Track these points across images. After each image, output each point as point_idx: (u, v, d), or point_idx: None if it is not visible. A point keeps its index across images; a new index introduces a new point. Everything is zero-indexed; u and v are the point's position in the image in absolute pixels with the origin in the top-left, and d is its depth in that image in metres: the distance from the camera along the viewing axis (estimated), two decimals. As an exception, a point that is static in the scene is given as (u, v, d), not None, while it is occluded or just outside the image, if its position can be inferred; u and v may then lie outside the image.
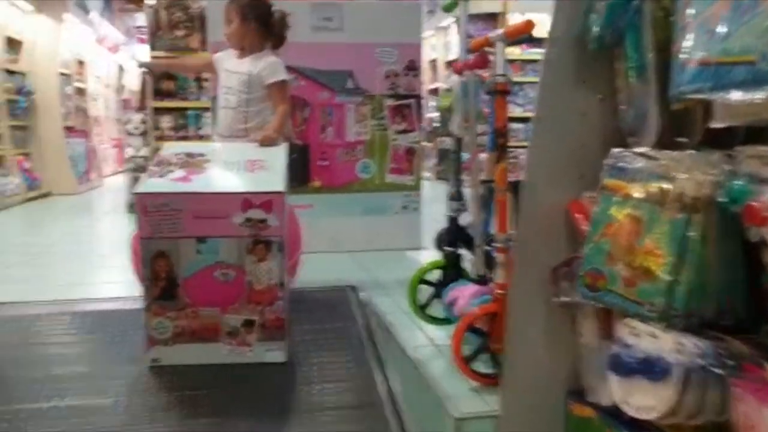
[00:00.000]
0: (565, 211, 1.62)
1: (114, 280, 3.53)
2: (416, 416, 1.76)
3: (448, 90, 2.34)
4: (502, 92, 1.92)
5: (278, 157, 2.44)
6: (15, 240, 5.45)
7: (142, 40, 7.40)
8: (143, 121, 6.90)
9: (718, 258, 1.27)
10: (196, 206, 2.06)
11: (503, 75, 1.90)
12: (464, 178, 2.44)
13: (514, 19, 8.39)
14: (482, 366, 2.05)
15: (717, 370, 1.19)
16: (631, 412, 1.32)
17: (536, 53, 8.68)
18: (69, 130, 9.24)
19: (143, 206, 2.05)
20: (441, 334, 2.48)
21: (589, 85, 1.62)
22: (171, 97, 6.29)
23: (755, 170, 1.15)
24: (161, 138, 6.34)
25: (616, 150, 1.45)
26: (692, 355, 1.20)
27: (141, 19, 10.35)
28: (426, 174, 7.93)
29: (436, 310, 2.56)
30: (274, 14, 3.01)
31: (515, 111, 8.47)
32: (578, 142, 1.62)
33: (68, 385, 1.97)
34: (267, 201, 2.07)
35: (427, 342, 2.50)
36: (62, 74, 9.14)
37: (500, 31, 1.93)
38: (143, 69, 3.94)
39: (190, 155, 2.35)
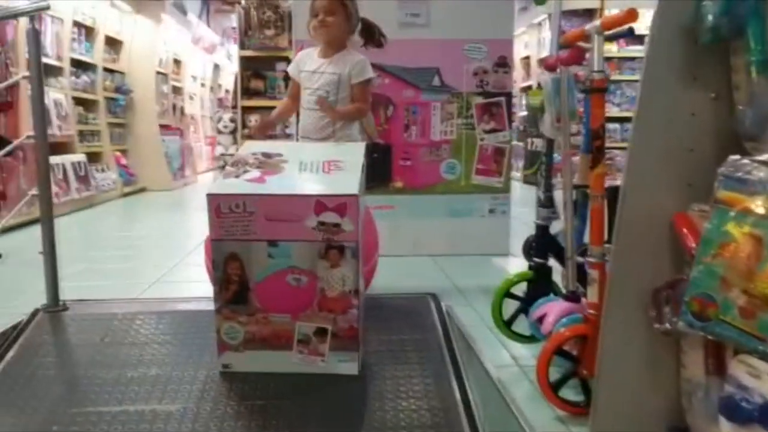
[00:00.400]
0: (670, 224, 1.43)
1: (197, 279, 3.53)
2: (496, 442, 1.62)
3: (539, 87, 2.17)
4: (599, 90, 1.74)
5: (356, 157, 2.33)
6: (108, 234, 5.62)
7: (237, 41, 7.56)
8: (232, 120, 7.02)
9: None
10: (268, 208, 1.98)
11: (601, 71, 1.72)
12: (555, 182, 2.26)
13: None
14: (570, 393, 1.88)
15: None
16: (747, 464, 1.13)
17: (634, 51, 8.34)
18: (164, 127, 9.52)
19: (215, 207, 1.99)
20: (527, 354, 2.32)
21: (700, 83, 1.43)
22: (259, 96, 6.32)
23: None
24: (249, 136, 6.37)
25: (733, 157, 1.26)
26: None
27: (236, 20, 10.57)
28: (516, 175, 7.73)
29: (522, 326, 2.39)
30: (364, 22, 2.96)
31: (612, 110, 8.22)
32: (686, 146, 1.43)
33: (139, 388, 1.94)
34: (341, 204, 1.97)
35: (511, 361, 2.34)
36: (159, 73, 9.43)
37: (597, 22, 1.75)
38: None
39: (267, 155, 2.27)
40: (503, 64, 4.01)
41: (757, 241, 1.15)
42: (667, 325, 1.36)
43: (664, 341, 1.43)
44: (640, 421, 1.48)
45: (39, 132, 2.57)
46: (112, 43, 8.66)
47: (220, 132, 7.26)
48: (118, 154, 8.51)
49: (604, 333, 1.48)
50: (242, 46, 6.45)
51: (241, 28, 6.46)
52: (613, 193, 1.72)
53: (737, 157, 1.26)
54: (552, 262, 2.34)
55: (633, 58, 8.48)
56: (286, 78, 6.51)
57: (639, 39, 3.86)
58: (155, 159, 9.04)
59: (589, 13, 8.43)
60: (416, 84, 4.01)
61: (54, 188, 6.14)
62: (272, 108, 6.43)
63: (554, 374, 1.90)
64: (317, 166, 2.18)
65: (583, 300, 1.94)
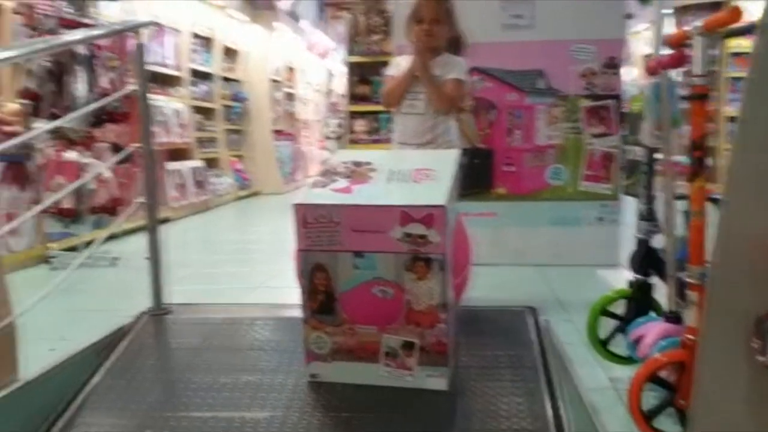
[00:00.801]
0: (778, 244, 1.28)
1: (296, 285, 3.59)
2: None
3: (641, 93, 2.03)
4: (700, 97, 1.59)
5: (448, 165, 2.26)
6: (218, 237, 5.83)
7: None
8: (339, 125, 7.11)
9: None
10: (353, 219, 1.96)
11: (703, 76, 1.58)
12: (657, 193, 2.11)
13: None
14: (667, 423, 1.74)
15: None
16: None
17: None
18: (278, 133, 9.80)
19: (302, 217, 1.99)
20: (625, 376, 2.17)
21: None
22: (366, 101, 6.37)
23: None
24: (355, 141, 6.45)
25: None
26: None
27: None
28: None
29: (620, 346, 2.24)
30: None
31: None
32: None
33: (230, 394, 1.98)
34: (427, 215, 1.91)
35: (608, 384, 2.21)
36: (273, 80, 9.71)
37: (699, 22, 1.60)
38: None
39: (357, 164, 2.25)
40: (613, 65, 3.81)
41: None
42: (774, 358, 1.21)
43: (768, 375, 1.28)
44: (743, 462, 1.34)
45: (145, 143, 2.67)
46: (230, 53, 9.00)
47: (327, 137, 7.38)
48: (233, 159, 8.83)
49: (702, 362, 1.34)
50: (350, 52, 6.53)
51: (349, 34, 6.54)
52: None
53: None
54: (655, 279, 2.18)
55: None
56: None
57: None
58: (268, 163, 9.33)
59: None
60: (520, 87, 3.88)
61: (173, 192, 6.44)
62: (378, 112, 6.48)
63: (649, 402, 1.76)
64: (407, 175, 2.14)
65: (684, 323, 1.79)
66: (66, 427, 1.87)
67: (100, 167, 3.79)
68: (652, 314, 2.11)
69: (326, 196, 2.02)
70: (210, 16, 8.21)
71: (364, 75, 6.44)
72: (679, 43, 1.73)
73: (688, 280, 1.64)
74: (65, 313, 3.05)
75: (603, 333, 2.32)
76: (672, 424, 1.76)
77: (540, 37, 3.84)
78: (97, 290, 3.61)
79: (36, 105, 3.83)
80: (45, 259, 4.06)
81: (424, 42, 2.74)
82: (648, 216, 2.10)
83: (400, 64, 2.90)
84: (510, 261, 3.88)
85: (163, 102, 6.79)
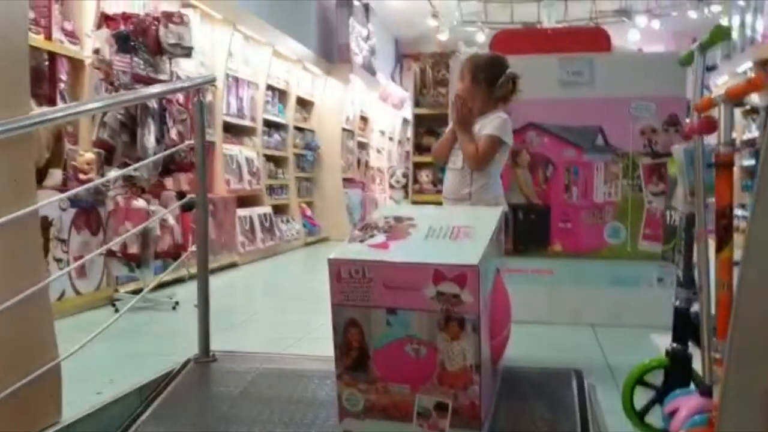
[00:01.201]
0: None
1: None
2: None
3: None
4: (725, 165, 1.54)
5: (488, 224, 2.25)
6: (282, 283, 5.93)
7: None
8: (404, 175, 7.18)
9: None
10: (387, 275, 1.97)
11: (729, 144, 1.53)
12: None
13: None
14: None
15: None
16: None
17: None
18: (348, 180, 9.98)
19: (336, 272, 2.01)
20: (662, 450, 2.08)
21: None
22: (430, 152, 6.39)
23: None
24: (420, 191, 6.48)
25: None
26: None
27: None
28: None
29: (657, 418, 2.15)
30: (505, 75, 2.84)
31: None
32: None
33: (262, 449, 1.99)
34: (460, 274, 1.90)
35: (644, 457, 2.11)
36: (345, 130, 9.91)
37: (723, 90, 1.56)
38: None
39: (398, 219, 2.27)
40: (673, 122, 3.73)
41: None
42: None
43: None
44: None
45: (200, 195, 2.77)
46: (303, 104, 9.27)
47: (392, 187, 7.46)
48: (303, 206, 9.02)
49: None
50: (417, 104, 6.61)
51: (416, 86, 6.63)
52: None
53: None
54: (694, 349, 2.09)
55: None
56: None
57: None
58: (337, 210, 9.47)
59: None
60: (578, 143, 3.83)
61: (241, 238, 6.62)
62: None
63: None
64: (445, 232, 2.13)
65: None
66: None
67: (165, 213, 3.95)
68: (692, 386, 2.02)
69: (361, 251, 2.03)
70: (287, 70, 8.50)
71: (431, 127, 6.49)
72: (707, 109, 1.69)
73: (715, 355, 1.57)
74: (118, 355, 3.16)
75: (642, 402, 2.23)
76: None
77: (599, 93, 3.79)
78: (153, 334, 3.72)
79: (109, 155, 4.04)
80: (111, 302, 4.22)
81: (459, 101, 2.80)
82: (687, 283, 2.03)
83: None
84: (565, 320, 3.78)
85: (237, 151, 7.03)
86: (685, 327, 2.05)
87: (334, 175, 9.61)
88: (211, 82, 2.90)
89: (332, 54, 10.00)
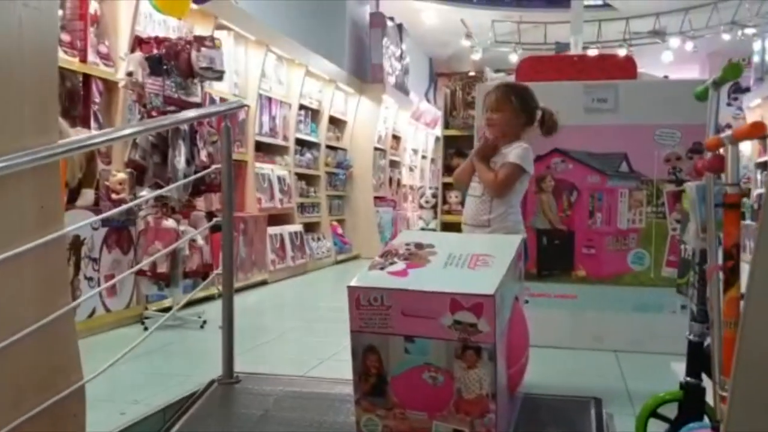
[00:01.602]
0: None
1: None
2: None
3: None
4: (731, 206, 1.55)
5: (507, 252, 2.28)
6: (310, 302, 5.98)
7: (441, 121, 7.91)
8: (434, 195, 7.21)
9: None
10: (404, 303, 2.01)
11: (735, 184, 1.54)
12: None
13: None
14: None
15: None
16: None
17: None
18: (379, 199, 10.04)
19: (355, 299, 2.06)
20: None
21: None
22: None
23: None
24: (449, 212, 6.50)
25: None
26: None
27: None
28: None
29: (671, 450, 2.14)
30: (542, 111, 2.92)
31: None
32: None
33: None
34: (477, 304, 1.94)
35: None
36: (377, 149, 9.99)
37: (729, 131, 1.58)
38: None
39: (419, 245, 2.31)
40: (698, 150, 3.70)
41: None
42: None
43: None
44: None
45: (226, 218, 2.84)
46: (336, 123, 9.37)
47: (421, 207, 7.50)
48: (335, 224, 9.09)
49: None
50: (446, 126, 6.64)
51: (446, 108, 6.66)
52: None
53: None
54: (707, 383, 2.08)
55: None
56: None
57: None
58: (368, 228, 9.54)
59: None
60: (602, 170, 3.83)
61: (271, 256, 6.71)
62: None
63: None
64: (464, 260, 2.16)
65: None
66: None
67: (194, 234, 4.04)
68: (706, 420, 2.01)
69: (381, 278, 2.08)
70: (319, 89, 8.61)
71: (460, 148, 6.51)
72: (716, 148, 1.71)
73: (720, 393, 1.57)
74: (144, 374, 3.23)
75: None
76: None
77: (623, 121, 3.79)
78: (180, 353, 3.80)
79: (140, 175, 4.16)
80: (141, 320, 4.32)
81: (488, 131, 2.84)
82: (700, 317, 2.03)
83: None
84: (587, 345, 3.77)
85: (269, 170, 7.14)
86: (698, 360, 2.05)
87: (366, 194, 9.68)
88: (242, 107, 2.98)
89: (365, 74, 10.12)
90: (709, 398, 2.07)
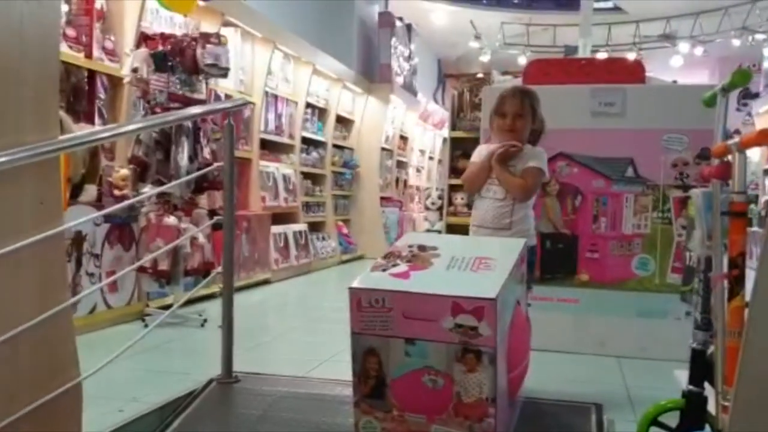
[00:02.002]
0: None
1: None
2: None
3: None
4: (737, 214, 1.53)
5: (510, 255, 2.25)
6: (312, 302, 5.96)
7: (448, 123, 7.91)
8: (440, 197, 7.20)
9: None
10: (405, 305, 1.99)
11: (742, 193, 1.51)
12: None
13: None
14: None
15: None
16: None
17: None
18: (385, 199, 10.02)
19: (356, 301, 2.04)
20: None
21: None
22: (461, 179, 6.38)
23: None
24: (454, 214, 6.47)
25: None
26: None
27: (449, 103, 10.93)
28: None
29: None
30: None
31: None
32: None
33: (275, 475, 2.01)
34: (478, 307, 1.91)
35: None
36: (384, 149, 9.97)
37: (737, 138, 1.55)
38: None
39: (422, 248, 2.29)
40: (706, 155, 3.67)
41: None
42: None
43: None
44: None
45: (227, 217, 2.82)
46: (343, 122, 9.36)
47: (427, 208, 7.49)
48: (340, 223, 9.07)
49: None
50: (453, 127, 6.61)
51: (453, 109, 6.64)
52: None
53: None
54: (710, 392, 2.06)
55: None
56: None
57: None
58: (374, 229, 9.52)
59: None
60: (607, 174, 3.80)
61: (274, 255, 6.69)
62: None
63: None
64: (467, 263, 2.14)
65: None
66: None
67: (195, 232, 4.03)
68: (708, 429, 1.99)
69: (382, 280, 2.06)
70: (327, 88, 8.60)
71: (467, 150, 6.47)
72: (722, 155, 1.68)
73: (722, 402, 1.54)
74: (144, 372, 3.22)
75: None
76: None
77: (630, 125, 3.75)
78: (180, 351, 3.79)
79: (143, 172, 4.15)
80: (141, 317, 4.31)
81: (506, 138, 2.80)
82: (704, 325, 2.00)
83: (481, 151, 2.95)
84: (590, 350, 3.74)
85: (274, 168, 7.13)
86: (701, 369, 2.02)
87: (372, 194, 9.66)
88: (247, 105, 2.96)
89: (373, 73, 10.10)
90: (711, 407, 2.05)
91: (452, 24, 11.83)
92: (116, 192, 4.04)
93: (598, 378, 3.41)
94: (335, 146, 8.98)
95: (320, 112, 8.57)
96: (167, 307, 4.29)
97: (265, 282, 6.46)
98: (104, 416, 2.46)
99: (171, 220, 4.12)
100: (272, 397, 2.61)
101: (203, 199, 4.57)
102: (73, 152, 3.66)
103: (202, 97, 4.38)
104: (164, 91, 4.08)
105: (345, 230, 9.21)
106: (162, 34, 4.45)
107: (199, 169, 4.07)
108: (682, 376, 3.30)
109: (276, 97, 7.26)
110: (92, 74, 4.35)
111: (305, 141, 8.07)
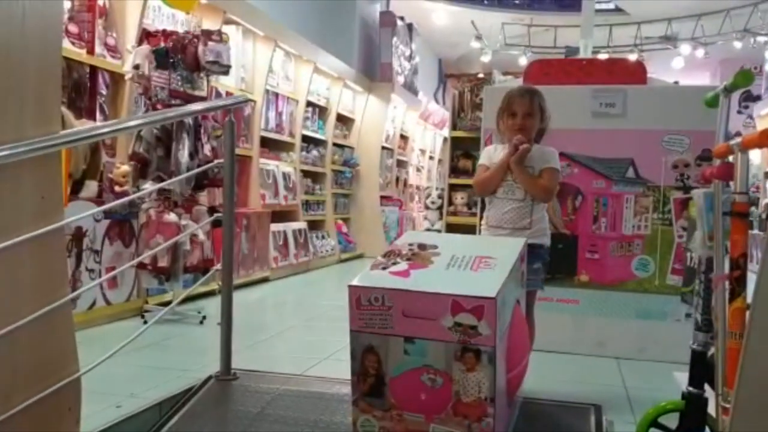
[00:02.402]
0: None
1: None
2: None
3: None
4: (739, 215, 1.52)
5: (510, 255, 2.25)
6: (311, 300, 5.95)
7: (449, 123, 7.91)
8: (440, 197, 7.20)
9: None
10: (405, 304, 2.00)
11: (744, 193, 1.51)
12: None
13: None
14: None
15: None
16: None
17: None
18: (385, 198, 10.02)
19: (356, 299, 2.04)
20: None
21: None
22: (466, 175, 6.40)
23: None
24: (454, 213, 6.48)
25: None
26: None
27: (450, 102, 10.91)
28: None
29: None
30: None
31: None
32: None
33: (271, 472, 2.01)
34: (478, 306, 1.92)
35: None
36: (384, 148, 9.96)
37: (739, 139, 1.55)
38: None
39: (422, 246, 2.29)
40: (707, 157, 3.67)
41: None
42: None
43: None
44: None
45: (227, 215, 2.82)
46: (343, 120, 9.35)
47: (427, 207, 7.50)
48: (340, 222, 9.07)
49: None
50: (454, 127, 6.62)
51: (454, 109, 6.64)
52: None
53: None
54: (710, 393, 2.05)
55: None
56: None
57: None
58: (374, 228, 9.52)
59: None
60: (608, 175, 3.80)
61: (274, 253, 6.69)
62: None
63: None
64: (467, 262, 2.14)
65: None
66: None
67: (194, 229, 4.03)
68: (707, 430, 1.99)
69: (382, 278, 2.06)
70: (327, 87, 8.60)
71: (467, 150, 6.49)
72: (724, 155, 1.68)
73: (723, 404, 1.54)
74: (142, 368, 3.21)
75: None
76: None
77: (631, 126, 3.75)
78: (179, 347, 3.78)
79: (144, 168, 4.15)
80: (141, 313, 4.31)
81: (519, 135, 2.81)
82: (705, 326, 2.00)
83: (490, 153, 2.95)
84: (589, 351, 3.74)
85: (274, 166, 7.12)
86: (701, 371, 2.02)
87: (372, 193, 9.65)
88: (248, 102, 2.96)
89: (374, 72, 10.10)
90: (711, 409, 2.05)
91: (453, 24, 11.83)
92: (117, 188, 4.04)
93: (598, 379, 3.41)
94: (335, 145, 8.97)
95: (321, 111, 8.57)
96: (166, 303, 4.29)
97: (264, 280, 6.46)
98: (103, 412, 2.46)
99: (171, 216, 4.12)
100: (271, 395, 2.61)
101: (203, 196, 4.57)
102: (74, 148, 3.66)
103: (203, 94, 4.38)
104: (165, 87, 4.07)
105: (344, 229, 9.21)
106: (164, 31, 4.45)
107: (199, 166, 4.06)
108: (681, 378, 3.30)
109: (277, 95, 7.26)
110: (94, 70, 4.35)
111: (305, 139, 8.07)
